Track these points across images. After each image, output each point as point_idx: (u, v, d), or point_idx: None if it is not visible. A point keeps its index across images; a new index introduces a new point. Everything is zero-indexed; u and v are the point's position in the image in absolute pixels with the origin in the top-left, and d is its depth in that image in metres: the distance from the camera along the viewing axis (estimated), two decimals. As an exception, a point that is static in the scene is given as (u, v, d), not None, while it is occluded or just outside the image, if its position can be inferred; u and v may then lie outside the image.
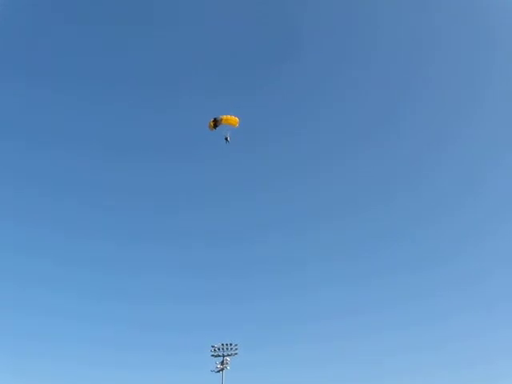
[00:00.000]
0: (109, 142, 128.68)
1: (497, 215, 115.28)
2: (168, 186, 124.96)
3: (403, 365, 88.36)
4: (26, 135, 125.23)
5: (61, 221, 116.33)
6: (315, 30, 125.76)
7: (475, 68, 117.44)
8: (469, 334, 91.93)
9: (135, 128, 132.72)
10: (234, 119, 48.07)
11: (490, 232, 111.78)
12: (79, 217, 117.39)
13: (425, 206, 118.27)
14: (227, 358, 71.46)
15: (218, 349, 72.05)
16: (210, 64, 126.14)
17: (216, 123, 48.39)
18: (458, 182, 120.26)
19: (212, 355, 71.91)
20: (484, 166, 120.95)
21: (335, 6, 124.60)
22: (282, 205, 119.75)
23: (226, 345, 72.23)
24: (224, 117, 47.95)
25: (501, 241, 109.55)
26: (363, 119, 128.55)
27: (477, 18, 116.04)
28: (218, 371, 70.99)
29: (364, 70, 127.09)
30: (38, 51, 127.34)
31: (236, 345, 72.43)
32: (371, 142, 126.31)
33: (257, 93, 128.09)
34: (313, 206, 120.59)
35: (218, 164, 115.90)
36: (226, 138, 49.09)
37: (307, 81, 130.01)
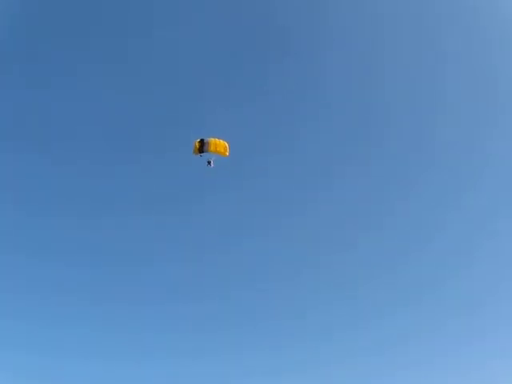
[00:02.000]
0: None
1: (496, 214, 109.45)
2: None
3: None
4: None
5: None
6: (312, 32, 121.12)
7: (475, 68, 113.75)
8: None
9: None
10: (222, 145, 43.07)
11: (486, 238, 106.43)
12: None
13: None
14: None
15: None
16: (206, 64, 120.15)
17: (202, 147, 43.57)
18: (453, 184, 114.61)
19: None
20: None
21: (334, 7, 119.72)
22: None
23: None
24: (212, 140, 43.01)
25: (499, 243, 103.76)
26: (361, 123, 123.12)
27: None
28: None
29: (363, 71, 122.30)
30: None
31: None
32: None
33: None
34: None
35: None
36: (209, 162, 44.05)
37: (302, 83, 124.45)
